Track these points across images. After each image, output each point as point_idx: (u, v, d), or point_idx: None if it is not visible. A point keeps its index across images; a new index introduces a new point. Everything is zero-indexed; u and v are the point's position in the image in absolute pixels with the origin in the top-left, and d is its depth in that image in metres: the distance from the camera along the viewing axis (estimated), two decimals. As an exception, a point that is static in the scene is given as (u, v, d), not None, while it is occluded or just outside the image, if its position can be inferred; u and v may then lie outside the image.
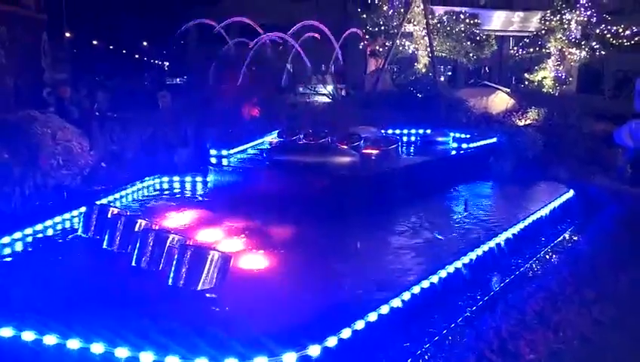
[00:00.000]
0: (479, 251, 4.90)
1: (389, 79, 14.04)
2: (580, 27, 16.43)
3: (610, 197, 7.49)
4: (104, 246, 4.50)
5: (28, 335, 3.24)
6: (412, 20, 15.72)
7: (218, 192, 6.53)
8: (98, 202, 5.52)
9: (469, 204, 6.40)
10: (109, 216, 4.69)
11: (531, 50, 17.19)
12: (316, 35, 14.27)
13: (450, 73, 22.69)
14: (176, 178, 6.98)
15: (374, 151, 7.18)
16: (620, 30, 16.24)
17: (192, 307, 3.62)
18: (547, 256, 5.64)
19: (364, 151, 7.10)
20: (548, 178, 7.92)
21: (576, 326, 4.07)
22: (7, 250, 4.72)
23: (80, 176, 6.46)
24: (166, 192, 6.82)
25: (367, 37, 16.75)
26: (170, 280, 3.84)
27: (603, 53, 16.51)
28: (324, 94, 13.14)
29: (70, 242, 4.95)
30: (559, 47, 16.69)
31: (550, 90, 15.81)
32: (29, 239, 4.99)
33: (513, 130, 9.09)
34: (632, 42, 16.19)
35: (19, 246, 4.83)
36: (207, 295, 3.74)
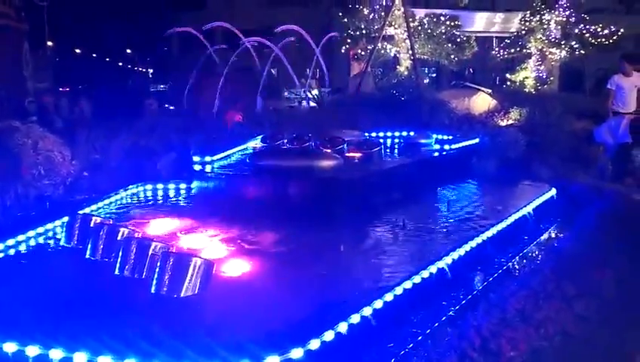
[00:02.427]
0: (462, 251, 4.95)
1: (372, 82, 14.13)
2: (559, 27, 16.65)
3: (591, 195, 7.59)
4: (87, 256, 4.49)
5: (9, 347, 3.22)
6: (393, 23, 15.82)
7: (201, 199, 6.54)
8: (80, 211, 5.50)
9: (451, 205, 6.47)
10: (92, 225, 4.68)
11: (512, 50, 17.40)
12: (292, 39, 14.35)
13: (434, 75, 22.88)
14: (159, 185, 6.96)
15: (357, 155, 7.22)
16: (599, 29, 16.48)
17: (175, 313, 3.62)
18: (530, 254, 5.70)
19: (347, 154, 7.14)
20: (530, 177, 7.99)
21: (558, 322, 4.11)
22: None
23: (62, 185, 6.42)
24: (149, 200, 6.80)
25: (348, 40, 16.84)
26: (153, 288, 3.84)
27: (583, 52, 16.73)
28: (308, 98, 13.19)
29: (53, 252, 4.93)
30: (539, 47, 16.90)
31: (532, 90, 16.01)
32: (11, 250, 4.95)
33: (495, 131, 9.19)
34: (611, 41, 16.44)
35: (0, 257, 4.80)
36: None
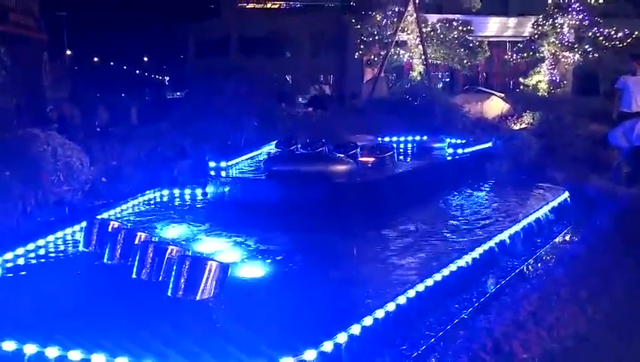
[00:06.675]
0: (475, 254, 4.97)
1: (386, 87, 14.19)
2: (572, 31, 16.57)
3: (605, 198, 7.55)
4: (105, 260, 4.58)
5: (30, 348, 3.31)
6: (406, 29, 15.88)
7: (217, 203, 6.62)
8: (99, 216, 5.60)
9: (464, 208, 6.49)
10: (110, 229, 4.78)
11: (525, 54, 17.34)
12: None
13: (447, 80, 22.87)
14: (175, 190, 7.07)
15: (371, 159, 7.26)
16: (613, 32, 16.37)
17: (191, 316, 3.69)
18: (543, 258, 5.70)
19: (360, 159, 7.18)
20: (543, 180, 7.98)
21: (570, 325, 4.12)
22: (10, 266, 4.79)
23: (81, 191, 6.55)
24: (166, 205, 6.90)
25: (362, 46, 16.92)
26: (170, 291, 3.91)
27: (596, 55, 16.63)
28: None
29: (71, 256, 5.03)
30: (553, 51, 16.82)
31: (545, 94, 15.94)
32: (31, 255, 5.07)
33: (508, 134, 9.20)
34: (625, 44, 16.31)
35: (21, 262, 4.91)
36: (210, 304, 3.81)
